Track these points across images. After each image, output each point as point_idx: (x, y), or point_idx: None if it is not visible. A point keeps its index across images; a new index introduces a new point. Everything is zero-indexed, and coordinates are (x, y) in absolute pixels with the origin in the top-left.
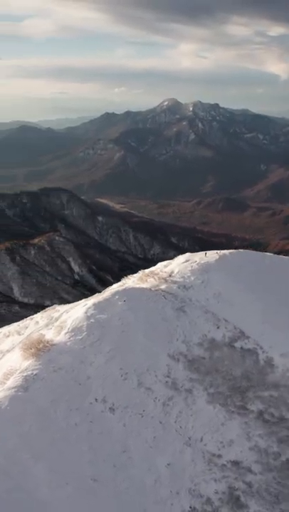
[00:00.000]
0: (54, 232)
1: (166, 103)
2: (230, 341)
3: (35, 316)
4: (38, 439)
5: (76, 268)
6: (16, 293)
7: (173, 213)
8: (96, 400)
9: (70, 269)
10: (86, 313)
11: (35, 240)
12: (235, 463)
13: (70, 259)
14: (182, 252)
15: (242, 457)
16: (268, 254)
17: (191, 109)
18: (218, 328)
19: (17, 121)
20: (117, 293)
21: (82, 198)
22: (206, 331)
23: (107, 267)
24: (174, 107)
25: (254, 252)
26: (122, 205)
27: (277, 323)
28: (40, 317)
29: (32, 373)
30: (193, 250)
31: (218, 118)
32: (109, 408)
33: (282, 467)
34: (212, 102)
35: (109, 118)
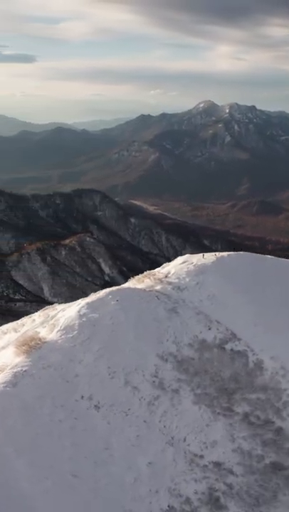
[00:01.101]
0: (85, 233)
1: (202, 105)
2: (220, 343)
3: (34, 314)
4: (21, 433)
5: (106, 269)
6: (46, 293)
7: (207, 216)
8: (82, 397)
9: (101, 270)
10: (79, 312)
11: (67, 241)
12: (217, 464)
13: (101, 260)
14: None
15: (224, 458)
16: (268, 257)
17: (227, 111)
18: (209, 329)
19: (53, 123)
20: (110, 292)
21: (116, 199)
22: (197, 332)
23: (137, 269)
24: (210, 109)
25: (254, 254)
26: (156, 207)
27: (269, 325)
28: (37, 315)
29: (21, 369)
30: None
31: (254, 120)
32: (95, 406)
33: (266, 470)
34: (249, 104)
35: (144, 120)
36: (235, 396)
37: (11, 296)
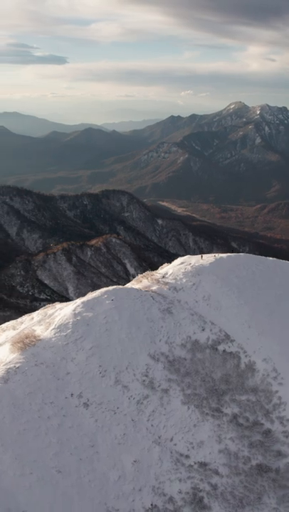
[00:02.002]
0: (111, 234)
1: (232, 106)
2: (213, 344)
3: (34, 312)
4: (9, 428)
5: (132, 270)
6: (71, 293)
7: (235, 218)
8: (72, 395)
9: (126, 271)
10: (74, 310)
11: (92, 242)
12: (203, 464)
13: (126, 261)
14: None
15: (210, 459)
16: (269, 258)
17: (258, 112)
18: (203, 330)
19: (83, 124)
20: (106, 292)
21: (144, 200)
22: (190, 333)
23: None
24: (241, 111)
25: (253, 256)
26: (184, 209)
27: (264, 327)
28: (36, 314)
29: (14, 366)
30: None
31: (285, 122)
32: (84, 404)
33: (252, 472)
34: (280, 106)
35: (174, 121)
36: (225, 397)
37: (36, 295)
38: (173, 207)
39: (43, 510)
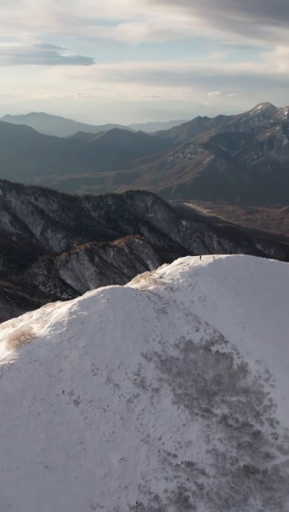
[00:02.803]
0: (134, 235)
1: (260, 107)
2: (207, 344)
3: (34, 311)
4: (0, 424)
5: None
6: None
7: (261, 220)
8: (63, 392)
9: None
10: (70, 309)
11: (115, 242)
12: (190, 464)
13: (149, 262)
14: None
15: (198, 459)
16: (270, 260)
17: (285, 113)
18: (197, 330)
19: (109, 125)
20: (102, 291)
21: (169, 201)
22: (184, 333)
23: None
24: (268, 112)
25: (254, 257)
26: (209, 210)
27: (258, 329)
28: (36, 312)
29: (9, 363)
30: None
31: None
32: (74, 401)
33: (239, 473)
34: None
35: (200, 122)
36: (216, 398)
37: (58, 295)
38: (198, 208)
39: (28, 505)
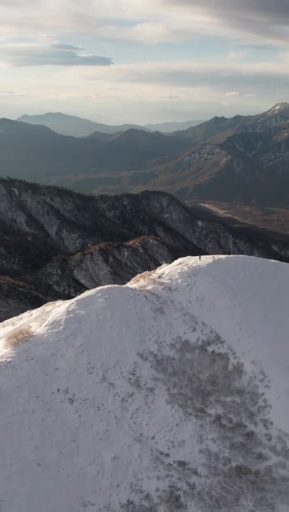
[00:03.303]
0: (148, 235)
1: (277, 107)
2: (203, 344)
3: (34, 309)
4: None
5: None
6: None
7: (278, 221)
8: (58, 390)
9: None
10: (68, 308)
11: (130, 242)
12: (182, 463)
13: (163, 262)
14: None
15: (190, 459)
16: (271, 261)
17: None
18: (194, 330)
19: (126, 125)
20: (100, 290)
21: (186, 202)
22: (181, 333)
23: None
24: (286, 112)
25: (254, 257)
26: (226, 211)
27: (256, 330)
28: (36, 310)
29: (5, 360)
30: None
31: None
32: (69, 399)
33: (231, 473)
34: None
35: (218, 122)
36: (210, 398)
37: (72, 294)
38: (214, 208)
39: (20, 501)
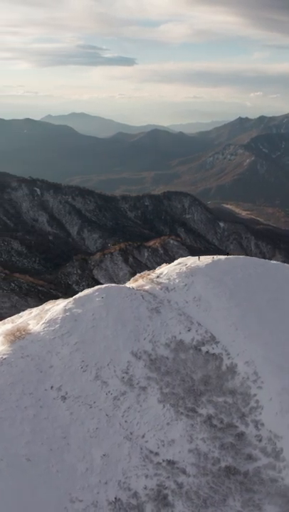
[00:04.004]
0: (169, 236)
1: None
2: (197, 344)
3: (35, 308)
4: None
5: None
6: None
7: None
8: (52, 387)
9: None
10: (65, 306)
11: (150, 243)
12: (171, 462)
13: None
14: None
15: (179, 458)
16: (271, 262)
17: None
18: (189, 330)
19: (149, 125)
20: (98, 290)
21: (208, 203)
22: (176, 333)
23: None
24: None
25: (255, 258)
26: (248, 212)
27: (251, 331)
28: (36, 308)
29: (1, 357)
30: None
31: None
32: (62, 396)
33: (219, 473)
34: None
35: (242, 123)
36: (203, 398)
37: None
38: (237, 210)
39: (9, 496)
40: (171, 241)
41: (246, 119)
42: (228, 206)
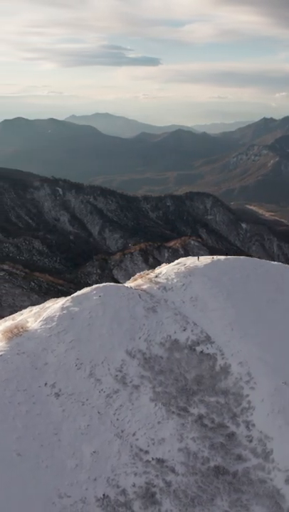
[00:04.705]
0: (190, 236)
1: None
2: (192, 344)
3: (36, 305)
4: None
5: None
6: None
7: None
8: (46, 384)
9: None
10: (63, 304)
11: (171, 243)
12: (161, 461)
13: None
14: None
15: (169, 456)
16: (271, 263)
17: None
18: (184, 330)
19: (173, 125)
20: (96, 288)
21: (231, 203)
22: (171, 332)
23: None
24: None
25: (255, 259)
26: (272, 213)
27: (247, 331)
28: (36, 306)
29: None
30: None
31: None
32: (55, 393)
33: (208, 473)
34: None
35: (266, 123)
36: (195, 397)
37: None
38: (260, 211)
39: None
40: (192, 242)
41: (271, 120)
42: (252, 207)
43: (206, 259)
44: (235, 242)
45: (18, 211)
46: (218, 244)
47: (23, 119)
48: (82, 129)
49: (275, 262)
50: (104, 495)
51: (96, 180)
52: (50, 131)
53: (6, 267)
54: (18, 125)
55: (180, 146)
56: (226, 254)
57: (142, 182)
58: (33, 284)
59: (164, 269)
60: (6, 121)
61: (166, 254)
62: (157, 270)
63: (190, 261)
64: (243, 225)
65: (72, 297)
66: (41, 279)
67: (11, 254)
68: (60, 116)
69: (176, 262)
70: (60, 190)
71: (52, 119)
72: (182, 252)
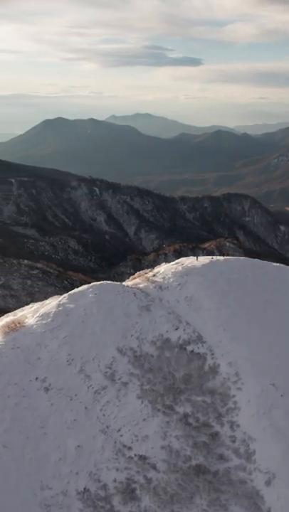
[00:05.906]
0: (225, 238)
1: None
2: (183, 343)
3: (37, 302)
4: None
5: None
6: None
7: None
8: (37, 378)
9: None
10: (60, 301)
11: (206, 244)
12: (143, 458)
13: None
14: None
15: (151, 453)
16: (272, 264)
17: None
18: (176, 329)
19: (213, 126)
20: (92, 286)
21: (271, 205)
22: (163, 331)
23: None
24: None
25: (255, 260)
26: None
27: (239, 332)
28: (38, 303)
29: None
30: None
31: None
32: (45, 388)
33: (189, 471)
34: None
35: None
36: (182, 396)
37: None
38: None
39: None
40: (228, 243)
41: None
42: None
43: (204, 259)
44: (273, 244)
45: (55, 210)
46: (256, 247)
47: (64, 119)
48: (122, 129)
49: (276, 264)
50: (85, 488)
51: (135, 180)
52: (90, 131)
53: (40, 265)
54: (58, 125)
55: (220, 146)
56: (223, 255)
57: (180, 183)
58: (66, 282)
59: (162, 269)
60: (46, 121)
61: (201, 256)
62: (156, 269)
63: (189, 261)
64: (282, 228)
65: (69, 294)
66: (74, 278)
67: (46, 253)
68: (100, 117)
69: (175, 261)
70: (97, 190)
71: (92, 119)
72: (217, 254)
